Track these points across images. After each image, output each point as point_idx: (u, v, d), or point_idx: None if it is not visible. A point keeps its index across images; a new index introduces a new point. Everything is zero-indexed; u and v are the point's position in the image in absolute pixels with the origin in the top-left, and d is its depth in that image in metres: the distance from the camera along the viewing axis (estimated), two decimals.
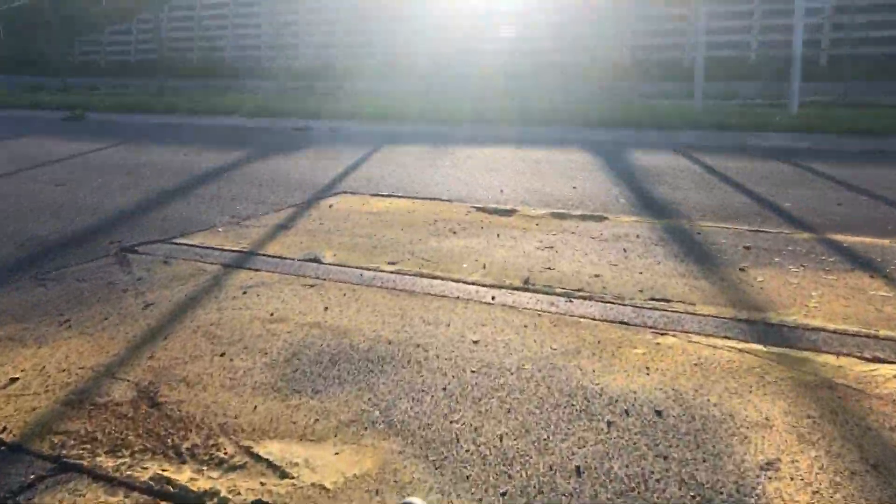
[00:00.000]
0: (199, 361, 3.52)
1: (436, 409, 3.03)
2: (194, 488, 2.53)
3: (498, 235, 5.57)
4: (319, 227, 5.94)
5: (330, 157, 9.25)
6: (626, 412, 2.98)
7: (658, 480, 2.54)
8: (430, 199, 6.87)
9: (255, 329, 3.88)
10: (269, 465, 2.67)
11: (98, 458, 2.72)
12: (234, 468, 2.65)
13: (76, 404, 3.12)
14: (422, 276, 4.68)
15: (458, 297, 4.30)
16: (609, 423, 2.90)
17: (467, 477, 2.58)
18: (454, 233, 5.66)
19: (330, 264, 4.96)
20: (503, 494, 2.49)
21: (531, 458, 2.68)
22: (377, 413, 3.02)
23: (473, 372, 3.35)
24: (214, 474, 2.62)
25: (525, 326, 3.84)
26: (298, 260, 5.07)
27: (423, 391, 3.19)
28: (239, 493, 2.50)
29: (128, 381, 3.33)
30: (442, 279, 4.62)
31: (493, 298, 4.26)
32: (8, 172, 8.56)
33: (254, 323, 3.96)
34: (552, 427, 2.89)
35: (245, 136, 11.83)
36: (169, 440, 2.84)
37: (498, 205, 6.55)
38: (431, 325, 3.89)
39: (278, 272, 4.82)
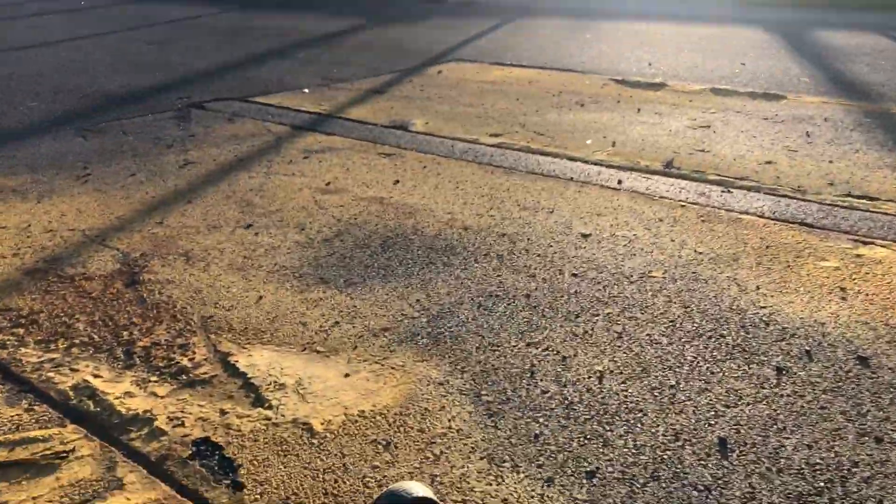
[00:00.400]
0: (215, 233, 2.68)
1: (508, 324, 2.04)
2: (122, 409, 1.69)
3: (638, 111, 4.37)
4: (420, 93, 4.94)
5: (453, 27, 8.15)
6: (809, 355, 1.88)
7: (866, 480, 1.46)
8: (560, 69, 5.68)
9: (301, 199, 2.99)
10: (246, 383, 1.79)
11: (22, 350, 1.94)
12: (193, 383, 1.80)
13: (40, 274, 2.37)
14: (530, 151, 3.62)
15: (571, 179, 3.22)
16: (780, 371, 1.82)
17: (536, 436, 1.60)
18: (581, 105, 4.51)
19: (418, 132, 3.98)
20: (589, 475, 1.49)
21: (645, 415, 1.66)
22: (423, 321, 2.06)
23: (575, 276, 2.32)
24: (161, 390, 1.77)
25: (660, 220, 2.74)
26: (382, 126, 4.11)
27: (496, 297, 2.20)
28: (181, 425, 1.64)
29: (116, 250, 2.54)
30: (554, 156, 3.53)
31: (619, 183, 3.16)
32: (101, 32, 8.03)
33: (302, 192, 3.07)
34: (686, 368, 1.83)
35: (370, 5, 10.87)
36: (125, 333, 2.01)
37: (643, 78, 5.28)
38: (528, 211, 2.85)
39: (353, 138, 3.89)
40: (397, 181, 3.20)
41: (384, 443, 1.58)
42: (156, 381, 1.80)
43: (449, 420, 1.65)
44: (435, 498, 1.26)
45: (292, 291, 2.24)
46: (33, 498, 1.42)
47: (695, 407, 1.69)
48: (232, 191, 3.11)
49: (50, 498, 1.43)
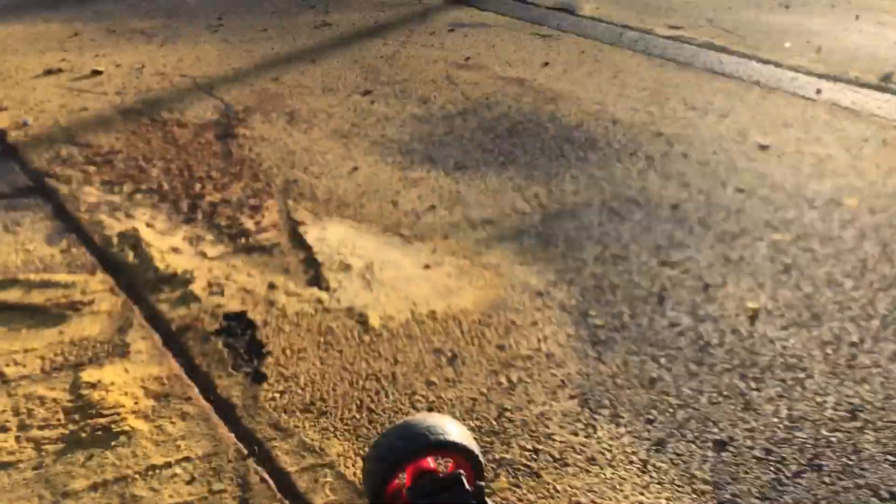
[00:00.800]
0: (329, 96, 2.37)
1: (643, 236, 1.61)
2: (161, 265, 1.43)
3: (856, 17, 3.61)
4: None
5: None
6: None
7: None
8: None
9: (432, 72, 2.62)
10: (308, 258, 1.49)
11: (85, 188, 1.73)
12: (250, 249, 1.51)
13: (133, 115, 2.16)
14: (712, 48, 3.03)
15: (756, 82, 2.64)
16: None
17: (652, 381, 1.19)
18: (786, 7, 3.79)
19: (584, 16, 3.46)
20: (718, 446, 1.08)
21: (811, 377, 1.21)
22: (536, 219, 1.67)
23: (741, 191, 1.82)
24: (213, 251, 1.50)
25: (864, 140, 2.15)
26: (545, 7, 3.62)
27: (634, 202, 1.76)
28: (219, 293, 1.36)
29: (220, 100, 2.30)
30: (741, 56, 2.93)
31: (817, 92, 2.55)
32: None
33: (436, 65, 2.70)
34: (875, 323, 1.35)
35: None
36: (197, 186, 1.76)
37: None
38: (696, 112, 2.34)
39: (509, 16, 3.44)
40: (546, 63, 2.75)
41: (450, 354, 1.23)
42: (210, 241, 1.53)
43: (539, 340, 1.27)
44: (474, 448, 0.88)
45: (393, 166, 1.91)
46: (25, 350, 1.20)
47: (885, 377, 1.21)
48: (361, 56, 2.78)
49: (42, 353, 1.20)
